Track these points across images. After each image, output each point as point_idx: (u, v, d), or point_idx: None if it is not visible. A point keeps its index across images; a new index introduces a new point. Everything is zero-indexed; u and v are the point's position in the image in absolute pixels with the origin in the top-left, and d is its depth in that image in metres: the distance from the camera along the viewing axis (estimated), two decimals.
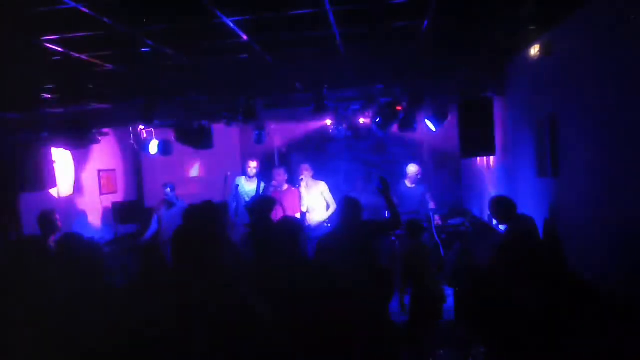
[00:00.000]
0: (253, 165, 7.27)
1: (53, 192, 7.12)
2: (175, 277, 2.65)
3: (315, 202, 6.96)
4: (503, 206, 4.88)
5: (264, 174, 7.54)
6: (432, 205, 7.14)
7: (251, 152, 8.58)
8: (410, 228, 5.03)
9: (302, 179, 6.88)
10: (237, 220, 6.94)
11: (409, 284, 4.99)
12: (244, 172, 7.50)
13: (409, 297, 4.97)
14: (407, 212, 6.80)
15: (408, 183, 7.36)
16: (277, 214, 5.56)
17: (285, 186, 6.95)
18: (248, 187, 7.24)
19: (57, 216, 5.51)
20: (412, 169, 7.34)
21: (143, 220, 7.80)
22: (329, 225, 6.77)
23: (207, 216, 4.07)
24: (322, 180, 7.17)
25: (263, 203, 5.11)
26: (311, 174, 7.05)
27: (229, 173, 7.44)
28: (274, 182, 6.96)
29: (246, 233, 6.63)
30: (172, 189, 7.42)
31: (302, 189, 6.88)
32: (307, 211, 6.86)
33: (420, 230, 5.06)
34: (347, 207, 4.38)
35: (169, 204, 7.35)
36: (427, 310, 4.74)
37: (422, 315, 4.73)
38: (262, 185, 7.24)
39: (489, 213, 6.68)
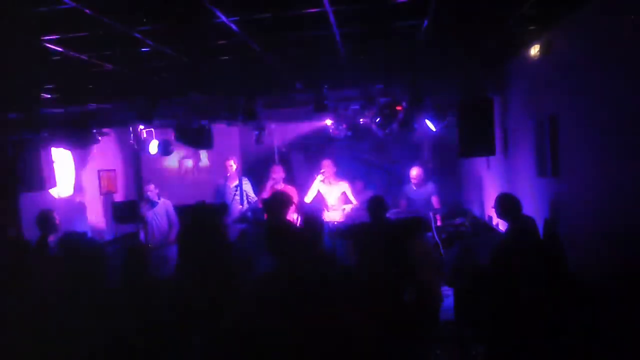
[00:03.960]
0: (230, 164, 7.35)
1: (53, 192, 7.12)
2: (177, 277, 2.66)
3: (334, 201, 6.98)
4: (508, 203, 4.87)
5: (262, 173, 7.56)
6: (436, 205, 7.13)
7: (251, 152, 8.59)
8: (413, 226, 5.03)
9: (323, 172, 6.88)
10: (229, 219, 6.98)
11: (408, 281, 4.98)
12: (225, 174, 7.56)
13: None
14: (410, 211, 6.81)
15: (413, 186, 7.36)
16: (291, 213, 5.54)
17: (282, 184, 6.93)
18: (232, 184, 7.33)
19: (56, 216, 5.51)
20: (413, 172, 7.34)
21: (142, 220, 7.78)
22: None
23: (209, 216, 4.09)
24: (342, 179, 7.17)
25: (279, 201, 5.02)
26: (333, 171, 7.03)
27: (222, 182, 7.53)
28: (273, 176, 6.96)
29: (241, 231, 6.65)
30: (155, 187, 7.48)
31: (317, 183, 6.87)
32: (326, 209, 6.90)
33: (418, 229, 5.05)
34: (376, 206, 4.65)
35: (150, 202, 7.39)
36: (424, 309, 4.72)
37: (420, 314, 4.72)
38: (245, 181, 7.32)
39: (489, 214, 6.68)
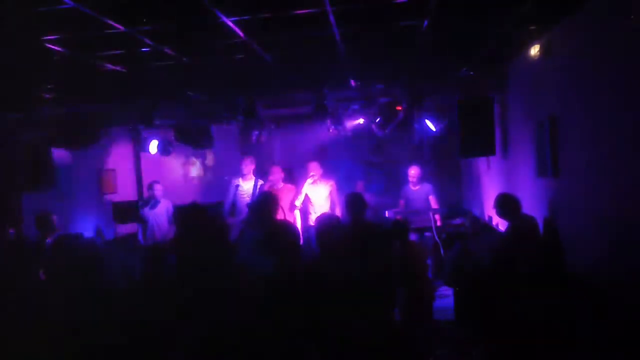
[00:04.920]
0: (247, 164, 7.30)
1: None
2: (175, 279, 2.66)
3: (322, 201, 6.91)
4: (508, 203, 4.88)
5: (262, 173, 7.53)
6: (435, 205, 7.13)
7: (251, 152, 8.57)
8: (394, 229, 4.99)
9: (312, 175, 6.81)
10: (236, 219, 6.96)
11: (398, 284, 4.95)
12: (240, 172, 7.51)
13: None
14: (410, 211, 6.81)
15: (411, 185, 7.37)
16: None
17: (281, 184, 6.91)
18: (246, 185, 7.27)
19: (54, 217, 5.51)
20: (411, 171, 7.34)
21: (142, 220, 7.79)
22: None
23: (201, 218, 4.06)
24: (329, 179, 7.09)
25: (266, 202, 4.97)
26: (320, 172, 6.91)
27: (226, 177, 7.45)
28: (270, 178, 6.93)
29: (240, 231, 6.64)
30: (161, 187, 7.45)
31: (306, 186, 6.82)
32: (313, 210, 6.85)
33: (403, 231, 4.99)
34: (352, 204, 4.46)
35: (154, 201, 7.36)
36: (417, 311, 4.71)
37: (413, 316, 4.71)
38: (260, 183, 7.26)
39: (489, 214, 6.69)
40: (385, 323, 3.49)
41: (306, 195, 6.91)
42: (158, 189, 7.33)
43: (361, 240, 4.31)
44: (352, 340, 2.63)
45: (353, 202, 4.55)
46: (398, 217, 6.72)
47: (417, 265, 4.80)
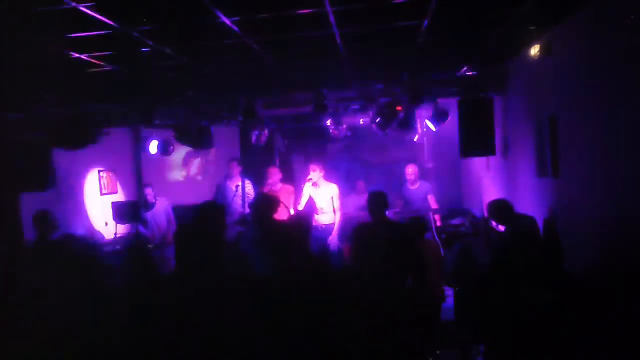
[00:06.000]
0: (234, 166, 7.42)
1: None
2: (175, 278, 2.66)
3: (324, 203, 6.88)
4: (500, 209, 4.90)
5: (262, 174, 7.56)
6: (434, 205, 7.12)
7: (250, 152, 8.58)
8: (414, 227, 5.02)
9: (310, 179, 6.80)
10: (229, 220, 7.00)
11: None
12: (229, 174, 7.63)
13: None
14: (409, 211, 6.82)
15: (409, 184, 7.36)
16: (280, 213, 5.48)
17: (279, 185, 6.91)
18: (234, 184, 7.44)
19: (54, 216, 5.50)
20: (408, 170, 7.34)
21: (142, 220, 7.79)
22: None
23: (209, 217, 4.09)
24: (332, 182, 7.07)
25: (265, 202, 4.99)
26: (322, 174, 6.89)
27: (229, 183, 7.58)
28: (269, 181, 6.96)
29: (239, 232, 6.66)
30: (152, 190, 7.59)
31: (307, 188, 6.81)
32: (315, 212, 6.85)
33: (421, 229, 5.04)
34: (376, 201, 4.45)
35: (148, 205, 7.47)
36: (426, 310, 4.72)
37: (421, 314, 4.72)
38: (248, 184, 7.38)
39: (487, 216, 6.69)
40: (394, 321, 3.51)
41: (311, 197, 6.90)
42: (149, 193, 7.50)
43: (384, 238, 4.30)
44: (354, 338, 2.64)
45: (375, 201, 4.47)
46: (398, 216, 6.74)
47: (432, 264, 4.81)
